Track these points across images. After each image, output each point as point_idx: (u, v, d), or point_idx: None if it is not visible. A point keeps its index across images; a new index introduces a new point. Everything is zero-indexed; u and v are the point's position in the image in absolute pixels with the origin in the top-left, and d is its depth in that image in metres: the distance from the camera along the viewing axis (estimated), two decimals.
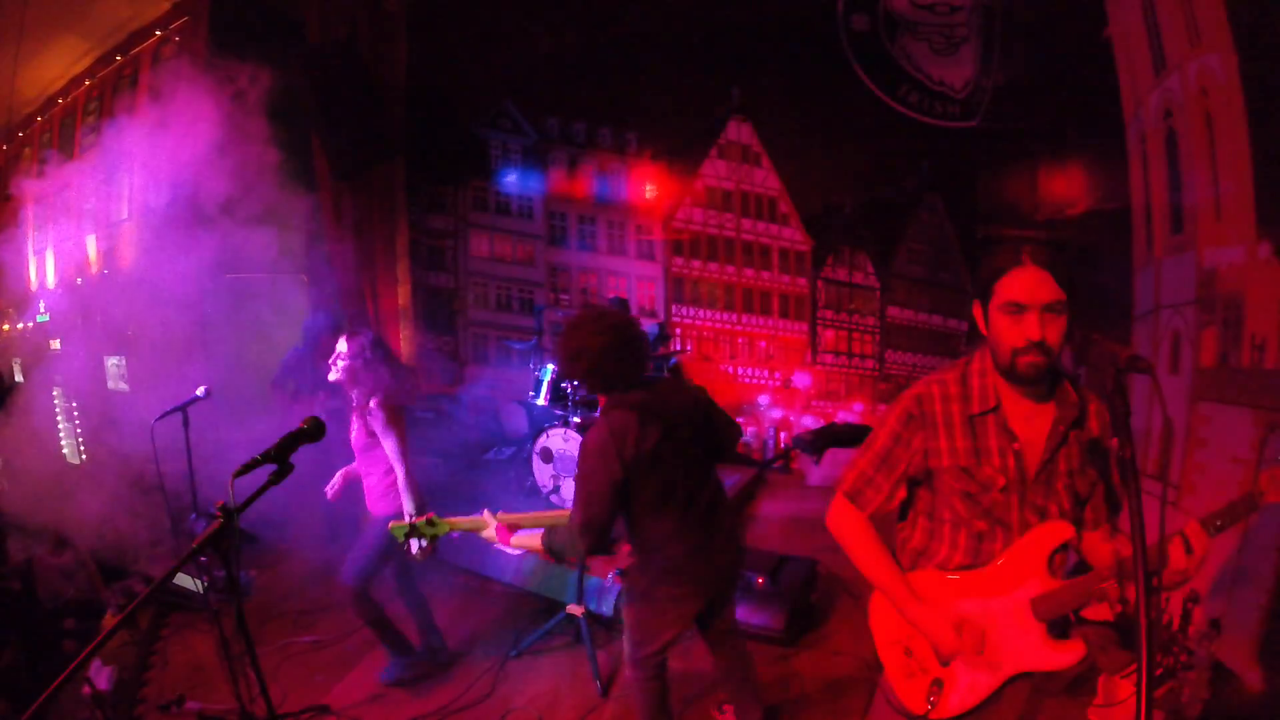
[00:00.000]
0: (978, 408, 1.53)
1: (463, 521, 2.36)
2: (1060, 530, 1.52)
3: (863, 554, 1.65)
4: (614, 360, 2.15)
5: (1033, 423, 1.51)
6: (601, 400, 2.24)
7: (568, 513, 2.27)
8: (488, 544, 4.38)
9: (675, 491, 2.18)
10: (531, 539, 2.23)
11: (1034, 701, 1.67)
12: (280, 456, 1.57)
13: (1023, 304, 1.39)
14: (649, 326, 6.74)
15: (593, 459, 2.09)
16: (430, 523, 2.35)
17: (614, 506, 2.11)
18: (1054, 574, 1.54)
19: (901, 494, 1.65)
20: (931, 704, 1.58)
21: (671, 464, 2.15)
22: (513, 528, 2.28)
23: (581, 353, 2.14)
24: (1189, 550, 1.37)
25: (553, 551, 2.17)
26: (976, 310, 1.51)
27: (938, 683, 1.59)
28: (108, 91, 5.82)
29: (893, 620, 1.68)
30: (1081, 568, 1.58)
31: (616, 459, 2.05)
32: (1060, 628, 1.57)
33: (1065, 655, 1.53)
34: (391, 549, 2.89)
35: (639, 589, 2.30)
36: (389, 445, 2.83)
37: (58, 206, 5.89)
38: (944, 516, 1.60)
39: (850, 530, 1.67)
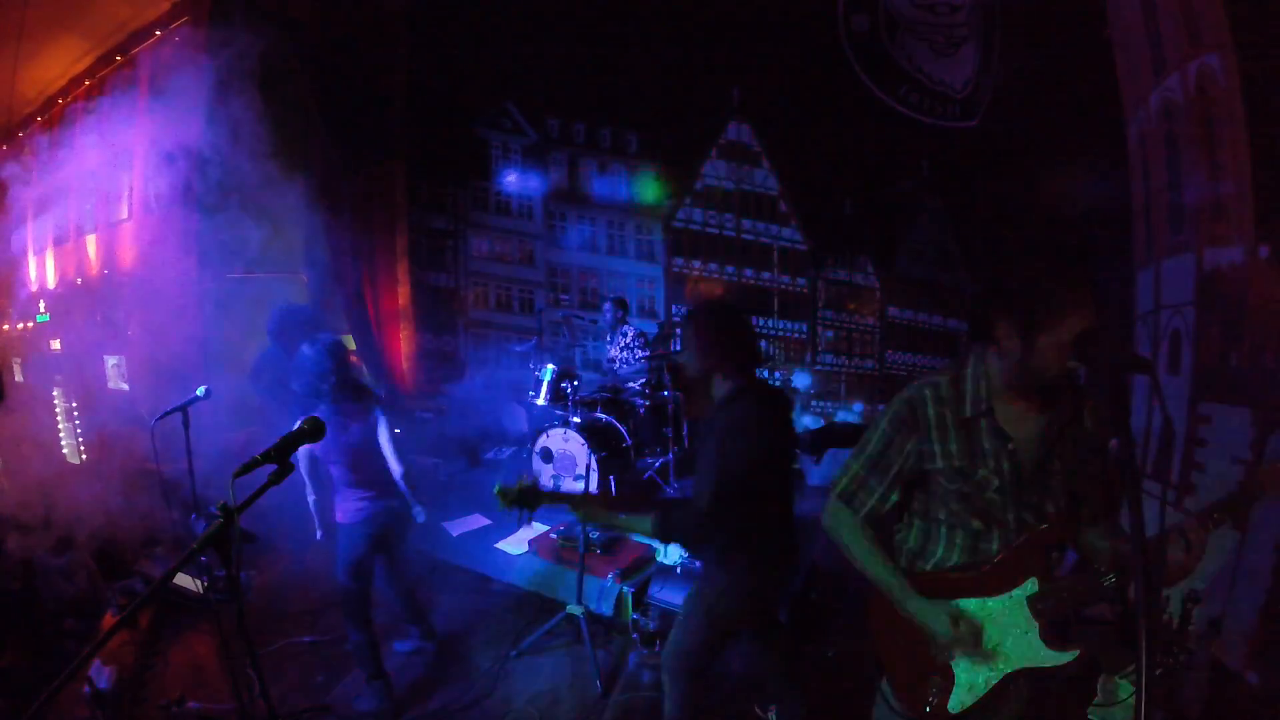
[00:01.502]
0: (970, 410, 1.53)
1: (561, 497, 2.23)
2: (1057, 528, 1.52)
3: (858, 554, 1.65)
4: (740, 345, 2.18)
5: (1026, 422, 1.52)
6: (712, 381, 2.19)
7: (667, 502, 2.27)
8: (488, 545, 4.36)
9: (774, 492, 2.21)
10: (635, 521, 2.15)
11: (1033, 701, 1.67)
12: (280, 456, 1.57)
13: None
14: (648, 326, 6.75)
15: (737, 438, 2.03)
16: (536, 494, 2.20)
17: (748, 485, 2.05)
18: (1051, 572, 1.54)
19: (895, 496, 1.65)
20: (931, 704, 1.58)
21: (778, 465, 2.21)
22: (609, 511, 2.22)
23: (728, 335, 2.17)
24: (1187, 546, 1.37)
25: (667, 531, 2.09)
26: (1009, 329, 1.43)
27: (937, 683, 1.59)
28: (108, 91, 5.82)
29: (893, 621, 1.68)
30: (1079, 566, 1.58)
31: (760, 440, 2.07)
32: (1058, 626, 1.57)
33: (1063, 653, 1.53)
34: (364, 543, 2.87)
35: (715, 584, 2.23)
36: None
37: (55, 201, 5.89)
38: (940, 517, 1.61)
39: (845, 531, 1.67)
